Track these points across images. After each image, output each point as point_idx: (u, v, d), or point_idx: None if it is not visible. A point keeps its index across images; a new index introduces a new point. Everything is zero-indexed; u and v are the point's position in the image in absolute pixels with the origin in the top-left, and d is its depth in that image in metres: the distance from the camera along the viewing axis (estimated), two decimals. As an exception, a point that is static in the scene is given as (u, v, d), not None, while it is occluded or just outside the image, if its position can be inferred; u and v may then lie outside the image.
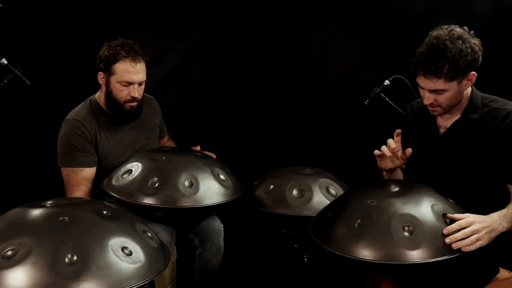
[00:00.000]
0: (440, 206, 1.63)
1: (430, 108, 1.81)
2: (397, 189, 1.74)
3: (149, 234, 1.61)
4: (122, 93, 2.10)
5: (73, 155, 2.06)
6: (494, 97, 1.83)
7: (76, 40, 2.85)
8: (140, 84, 2.14)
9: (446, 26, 1.74)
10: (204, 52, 3.02)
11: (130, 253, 1.44)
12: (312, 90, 3.05)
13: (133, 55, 2.07)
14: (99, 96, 2.20)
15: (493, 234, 1.57)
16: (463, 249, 1.53)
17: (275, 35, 2.99)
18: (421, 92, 1.79)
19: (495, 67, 2.81)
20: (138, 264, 1.43)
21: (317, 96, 3.05)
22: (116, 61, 2.06)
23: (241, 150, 3.03)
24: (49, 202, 1.58)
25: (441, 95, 1.73)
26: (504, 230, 1.60)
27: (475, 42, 1.71)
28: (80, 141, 2.07)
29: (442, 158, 1.86)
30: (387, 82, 2.67)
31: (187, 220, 2.20)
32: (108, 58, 2.07)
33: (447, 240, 1.52)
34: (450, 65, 1.66)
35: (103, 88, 2.14)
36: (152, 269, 1.46)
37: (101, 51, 2.11)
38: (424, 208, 1.60)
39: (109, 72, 2.09)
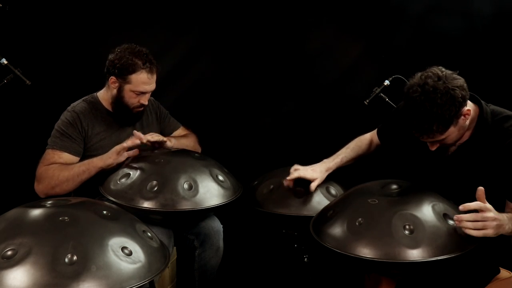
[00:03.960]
0: (441, 205, 1.63)
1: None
2: (398, 188, 1.75)
3: (149, 234, 1.61)
4: (133, 100, 2.17)
5: (59, 138, 2.12)
6: (506, 112, 1.74)
7: (76, 40, 2.85)
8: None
9: (419, 75, 1.64)
10: (204, 52, 3.02)
11: (130, 253, 1.43)
12: (312, 90, 3.05)
13: (149, 66, 2.13)
14: (103, 94, 2.25)
15: (501, 230, 1.55)
16: (467, 232, 1.50)
17: (275, 35, 2.99)
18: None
19: (495, 67, 2.82)
20: (138, 264, 1.43)
21: (317, 96, 3.05)
22: (133, 71, 2.11)
23: (241, 150, 3.03)
24: (49, 202, 1.57)
25: (444, 141, 1.69)
26: (508, 231, 1.58)
27: (454, 84, 1.60)
28: (70, 129, 2.13)
29: (450, 178, 1.80)
30: (387, 82, 2.67)
31: (186, 223, 2.20)
32: (124, 67, 2.11)
33: (455, 217, 1.52)
34: (437, 121, 1.60)
35: (113, 91, 2.18)
36: (152, 269, 1.46)
37: (114, 56, 2.13)
38: (425, 208, 1.61)
39: (123, 80, 2.13)
